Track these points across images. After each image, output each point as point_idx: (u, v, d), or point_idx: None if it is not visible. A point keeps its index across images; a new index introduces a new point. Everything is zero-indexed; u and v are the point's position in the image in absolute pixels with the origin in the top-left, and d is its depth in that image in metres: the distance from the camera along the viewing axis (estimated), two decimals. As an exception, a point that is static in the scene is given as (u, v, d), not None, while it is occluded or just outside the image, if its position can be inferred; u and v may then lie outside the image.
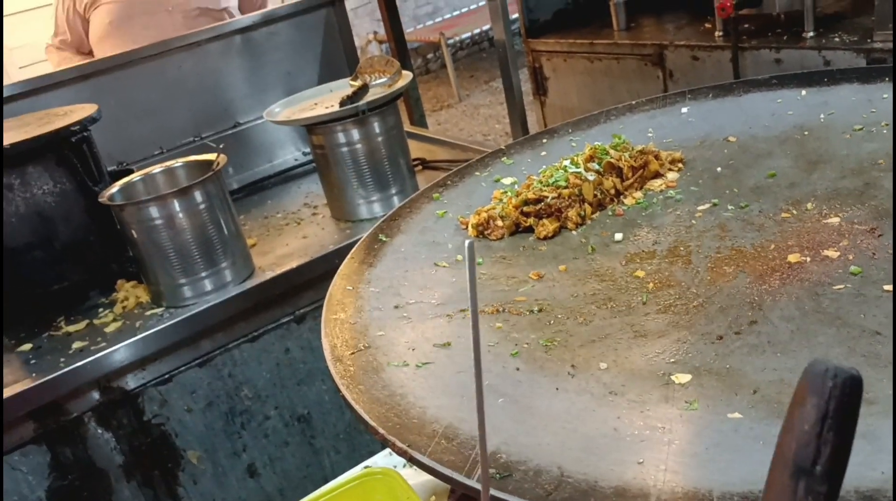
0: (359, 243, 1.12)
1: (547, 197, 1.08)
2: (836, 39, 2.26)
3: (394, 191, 2.09)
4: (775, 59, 2.38)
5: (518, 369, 0.80)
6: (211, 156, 2.01)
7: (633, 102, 1.37)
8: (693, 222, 1.03)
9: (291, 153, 2.75)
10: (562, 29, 3.05)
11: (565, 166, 1.13)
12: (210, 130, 2.60)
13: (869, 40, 2.15)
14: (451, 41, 6.11)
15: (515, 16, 3.08)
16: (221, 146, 2.24)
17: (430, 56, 6.82)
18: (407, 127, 2.81)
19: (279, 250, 2.06)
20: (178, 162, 1.93)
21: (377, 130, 2.07)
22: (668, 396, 0.72)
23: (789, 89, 1.26)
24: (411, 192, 2.00)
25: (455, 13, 6.68)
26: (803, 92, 1.24)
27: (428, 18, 6.63)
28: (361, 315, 0.94)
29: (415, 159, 2.38)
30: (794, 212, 0.98)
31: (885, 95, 1.16)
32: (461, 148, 2.47)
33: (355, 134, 2.05)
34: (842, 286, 0.81)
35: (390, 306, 0.96)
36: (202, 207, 1.67)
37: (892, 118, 0.95)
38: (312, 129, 2.07)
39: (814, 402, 0.42)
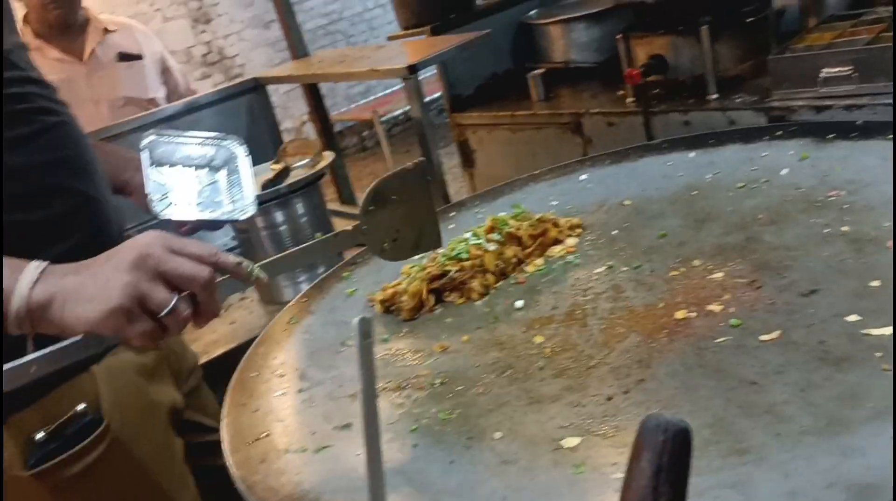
0: (266, 328, 1.12)
1: (450, 271, 1.10)
2: (738, 100, 2.38)
3: (320, 271, 2.10)
4: (684, 121, 2.48)
5: (416, 445, 0.80)
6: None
7: (536, 172, 1.42)
8: (590, 285, 1.06)
9: (220, 239, 2.74)
10: (484, 103, 3.15)
11: (466, 239, 1.15)
12: (133, 221, 2.58)
13: (767, 99, 2.28)
14: (384, 118, 6.24)
15: (439, 94, 3.18)
16: (143, 235, 2.22)
17: (365, 134, 6.94)
18: (336, 205, 2.84)
19: (206, 338, 2.04)
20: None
21: (300, 211, 2.08)
22: (558, 461, 0.72)
23: (679, 152, 1.33)
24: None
25: (387, 91, 6.84)
26: (692, 154, 1.31)
27: (361, 97, 6.77)
28: (264, 401, 0.93)
29: (343, 237, 2.40)
30: (683, 269, 1.02)
31: (763, 153, 1.23)
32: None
33: (278, 216, 2.06)
34: (723, 339, 0.84)
35: (294, 390, 0.95)
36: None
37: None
38: (236, 214, 2.07)
39: (648, 457, 0.44)
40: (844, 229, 0.98)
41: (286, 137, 2.77)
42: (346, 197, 2.98)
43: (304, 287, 2.12)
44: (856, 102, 2.06)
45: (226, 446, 0.84)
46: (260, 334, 1.11)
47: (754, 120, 2.26)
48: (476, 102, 3.14)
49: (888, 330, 0.76)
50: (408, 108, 6.53)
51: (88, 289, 0.77)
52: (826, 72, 2.12)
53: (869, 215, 0.99)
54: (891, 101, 2.00)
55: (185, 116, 2.67)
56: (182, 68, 3.29)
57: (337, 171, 2.97)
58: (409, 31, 3.04)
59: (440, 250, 1.20)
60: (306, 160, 2.18)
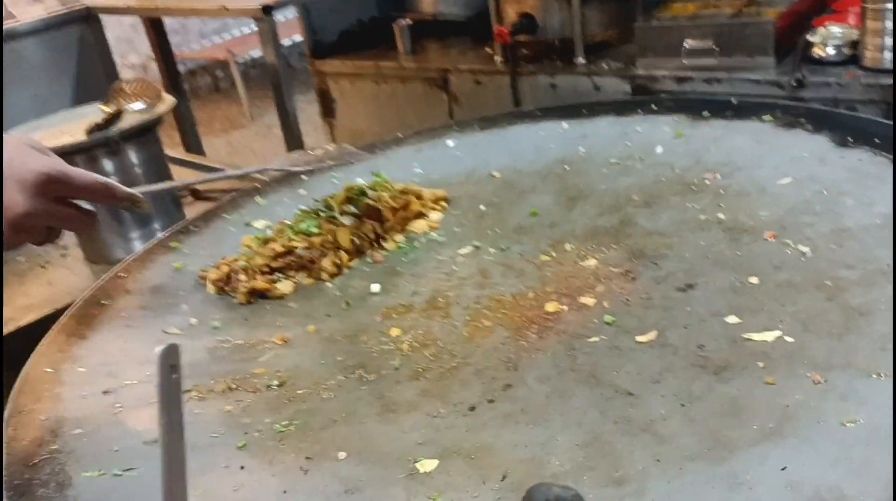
0: (69, 310, 0.93)
1: (297, 248, 0.97)
2: (604, 66, 2.35)
3: (157, 226, 1.88)
4: (551, 83, 2.44)
5: (243, 467, 0.67)
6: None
7: (400, 135, 1.30)
8: (454, 267, 0.95)
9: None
10: (348, 51, 2.97)
11: (318, 210, 1.02)
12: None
13: (632, 67, 2.26)
14: (242, 59, 5.84)
15: (299, 38, 2.96)
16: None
17: (219, 74, 6.48)
18: (181, 154, 2.58)
19: (18, 301, 1.78)
20: None
21: (134, 161, 1.85)
22: (411, 490, 0.62)
23: (551, 121, 1.25)
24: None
25: (246, 30, 6.40)
26: (564, 124, 1.23)
27: (216, 35, 6.29)
28: (58, 407, 0.76)
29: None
30: (554, 254, 0.93)
31: (638, 128, 1.17)
32: (239, 176, 2.29)
33: (108, 165, 1.81)
34: (597, 339, 0.76)
35: (98, 392, 0.79)
36: None
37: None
38: (56, 161, 1.81)
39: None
40: (720, 215, 0.93)
41: (131, 74, 2.48)
42: (192, 145, 2.72)
43: (137, 246, 1.90)
44: (715, 75, 2.08)
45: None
46: (62, 316, 0.93)
47: (619, 87, 2.24)
48: (339, 49, 2.95)
49: (769, 336, 0.71)
50: (267, 50, 6.15)
51: None
52: (689, 43, 2.13)
53: (744, 202, 0.94)
54: (750, 77, 2.03)
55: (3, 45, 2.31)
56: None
57: (184, 117, 2.70)
58: (268, -33, 2.79)
59: (287, 221, 1.06)
60: (142, 105, 1.93)
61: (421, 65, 2.68)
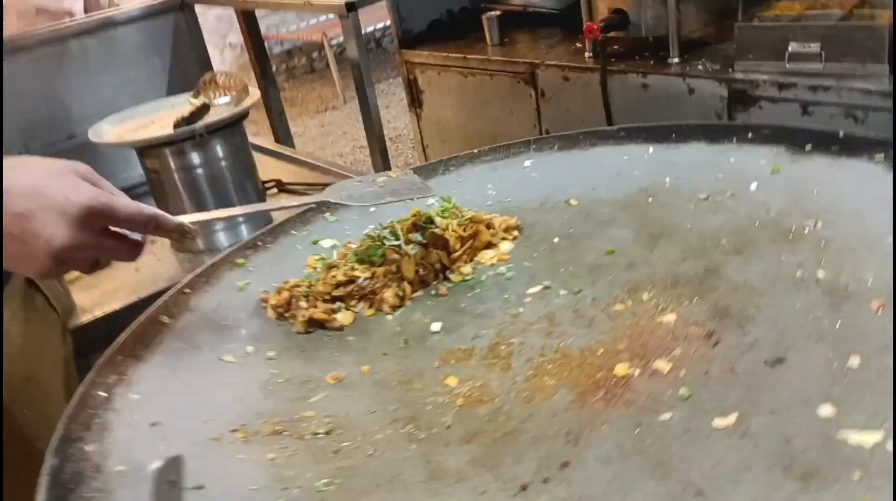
0: (132, 326, 0.93)
1: (359, 278, 0.93)
2: (700, 67, 2.22)
3: (241, 219, 1.91)
4: (642, 83, 2.33)
5: (279, 532, 0.64)
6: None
7: (476, 151, 1.24)
8: (521, 309, 0.90)
9: (136, 169, 2.48)
10: (437, 41, 2.92)
11: (383, 235, 0.98)
12: (39, 141, 2.31)
13: (730, 69, 2.13)
14: (337, 41, 5.88)
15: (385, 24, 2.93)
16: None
17: (315, 55, 6.56)
18: (269, 143, 2.61)
19: (107, 285, 1.84)
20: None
21: (219, 154, 1.87)
22: (450, 583, 0.58)
23: (636, 144, 1.16)
24: (261, 219, 1.82)
25: (341, 11, 6.43)
26: (650, 148, 1.14)
27: (312, 17, 6.36)
28: (105, 437, 0.75)
29: (271, 181, 2.20)
30: (630, 303, 0.86)
31: (730, 159, 1.07)
32: (323, 170, 2.30)
33: (194, 158, 1.85)
34: (669, 416, 0.69)
35: (146, 423, 0.78)
36: None
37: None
38: (144, 151, 1.85)
39: None
40: (820, 274, 0.83)
41: (232, 53, 2.51)
42: (282, 136, 2.73)
43: (221, 237, 1.93)
44: (821, 83, 1.92)
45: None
46: (121, 335, 0.92)
47: (715, 90, 2.11)
48: (428, 39, 2.91)
49: (868, 438, 0.62)
50: (367, 29, 6.17)
51: (26, 245, 0.75)
52: (793, 46, 1.97)
53: (848, 260, 0.84)
54: (859, 86, 1.86)
55: (100, 32, 2.37)
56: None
57: (272, 106, 2.72)
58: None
59: (353, 245, 1.03)
60: (228, 98, 1.95)
61: (509, 59, 2.61)
